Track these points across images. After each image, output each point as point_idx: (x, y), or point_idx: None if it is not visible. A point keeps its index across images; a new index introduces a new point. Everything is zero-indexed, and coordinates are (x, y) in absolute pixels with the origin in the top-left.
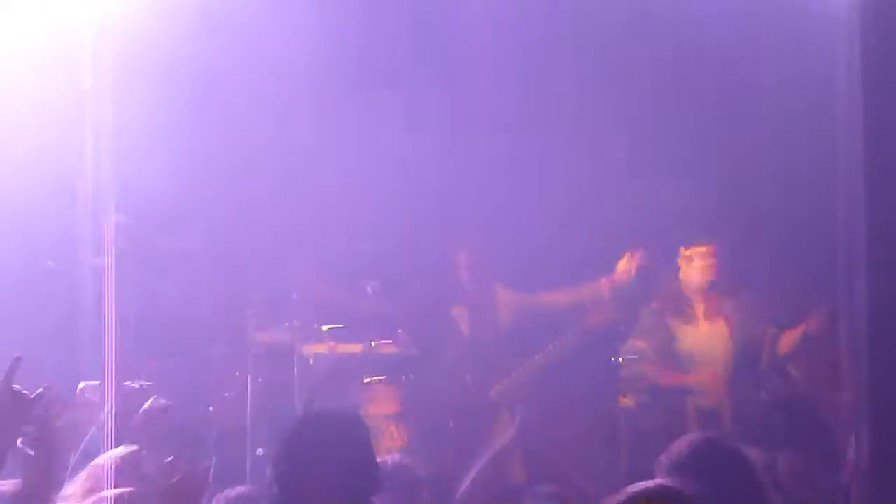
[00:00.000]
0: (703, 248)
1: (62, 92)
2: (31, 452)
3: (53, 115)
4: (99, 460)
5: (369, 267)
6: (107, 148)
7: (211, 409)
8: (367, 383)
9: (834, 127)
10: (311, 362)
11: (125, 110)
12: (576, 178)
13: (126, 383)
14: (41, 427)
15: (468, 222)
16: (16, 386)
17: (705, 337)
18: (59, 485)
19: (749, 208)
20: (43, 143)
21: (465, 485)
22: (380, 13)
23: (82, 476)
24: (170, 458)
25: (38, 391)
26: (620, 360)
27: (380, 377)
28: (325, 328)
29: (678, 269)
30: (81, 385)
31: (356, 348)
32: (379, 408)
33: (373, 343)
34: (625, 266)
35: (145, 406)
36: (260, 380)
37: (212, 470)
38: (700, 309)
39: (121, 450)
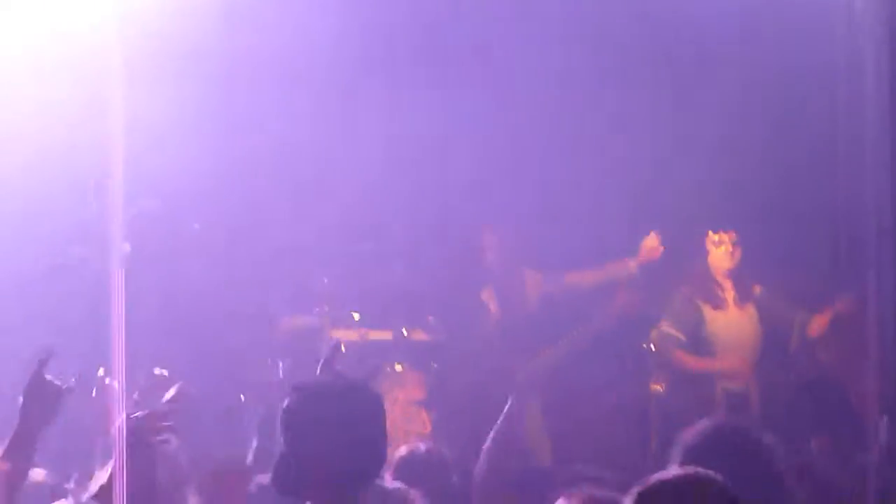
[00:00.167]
0: (731, 233)
1: (87, 87)
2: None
3: (77, 111)
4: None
5: (399, 253)
6: (131, 140)
7: (243, 397)
8: (395, 369)
9: (865, 115)
10: (343, 349)
11: (152, 101)
12: (601, 162)
13: (154, 371)
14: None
15: (496, 206)
16: (48, 376)
17: (734, 321)
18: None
19: (780, 193)
20: (67, 138)
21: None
22: (406, 6)
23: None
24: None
25: (69, 382)
26: (650, 344)
27: (407, 364)
28: (355, 315)
29: (707, 252)
30: (101, 371)
31: (386, 335)
32: (406, 394)
33: (405, 331)
34: (651, 245)
35: (169, 393)
36: (289, 365)
37: (251, 454)
38: (729, 293)
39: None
